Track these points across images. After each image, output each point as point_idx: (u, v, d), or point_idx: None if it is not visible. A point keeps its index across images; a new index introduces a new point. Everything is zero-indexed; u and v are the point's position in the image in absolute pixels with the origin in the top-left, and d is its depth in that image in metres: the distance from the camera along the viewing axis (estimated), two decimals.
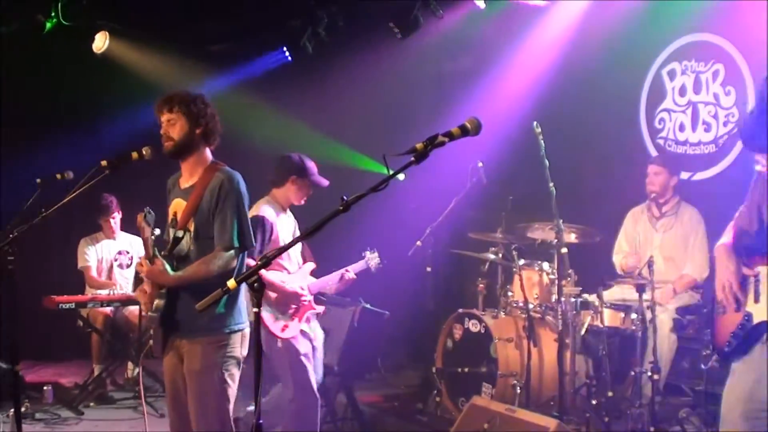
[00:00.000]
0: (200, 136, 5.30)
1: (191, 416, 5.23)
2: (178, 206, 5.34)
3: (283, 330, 6.73)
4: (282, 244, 6.63)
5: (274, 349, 6.69)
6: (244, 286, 4.92)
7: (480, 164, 8.22)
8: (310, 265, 7.06)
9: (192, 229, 5.23)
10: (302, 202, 6.92)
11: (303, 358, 6.77)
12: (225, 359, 5.19)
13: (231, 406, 5.24)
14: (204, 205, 5.20)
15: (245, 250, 5.23)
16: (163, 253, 5.20)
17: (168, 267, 5.11)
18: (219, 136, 5.41)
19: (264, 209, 6.70)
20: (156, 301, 5.18)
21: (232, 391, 5.23)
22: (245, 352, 5.30)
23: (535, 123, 7.16)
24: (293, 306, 6.82)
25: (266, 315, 6.61)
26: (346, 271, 7.19)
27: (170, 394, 5.40)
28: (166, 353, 5.32)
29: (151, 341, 5.39)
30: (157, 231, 5.22)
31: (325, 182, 6.94)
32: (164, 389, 5.52)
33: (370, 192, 3.88)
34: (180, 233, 5.23)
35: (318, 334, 7.10)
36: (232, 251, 5.14)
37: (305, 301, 6.86)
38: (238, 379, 5.28)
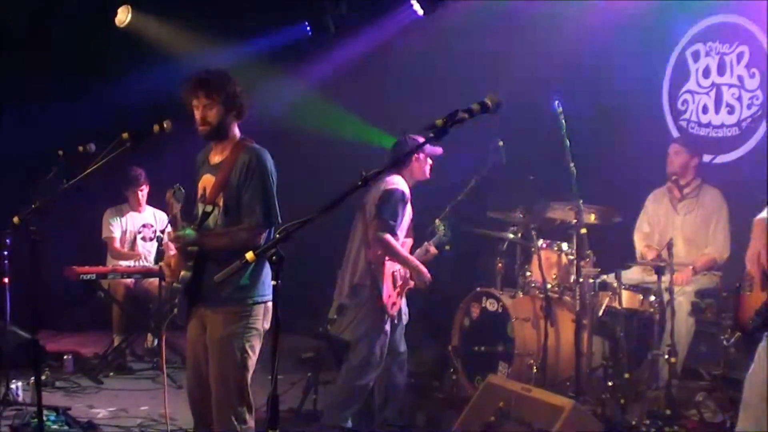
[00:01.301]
0: (233, 117, 5.38)
1: (211, 384, 5.30)
2: (207, 182, 5.42)
3: (392, 307, 6.97)
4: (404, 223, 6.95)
5: (378, 323, 6.90)
6: None
7: (500, 143, 8.19)
8: (410, 241, 7.23)
9: (221, 204, 5.31)
10: (428, 176, 7.18)
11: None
12: (246, 329, 5.25)
13: (250, 376, 5.28)
14: (233, 181, 5.27)
15: (271, 227, 5.26)
16: (192, 226, 5.28)
17: (187, 231, 5.21)
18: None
19: (404, 186, 6.90)
20: (182, 273, 5.26)
21: (252, 361, 5.28)
22: (267, 325, 5.35)
23: (556, 102, 7.14)
24: (401, 282, 7.01)
25: (384, 290, 6.90)
26: (429, 245, 7.32)
27: (191, 363, 5.48)
28: (190, 322, 5.42)
29: (175, 310, 5.44)
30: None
31: (440, 150, 7.11)
32: (183, 361, 5.57)
33: (388, 168, 3.90)
34: (209, 208, 5.31)
35: (404, 307, 7.25)
36: (259, 228, 5.21)
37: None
38: (258, 350, 5.32)
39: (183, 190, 5.25)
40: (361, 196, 7.03)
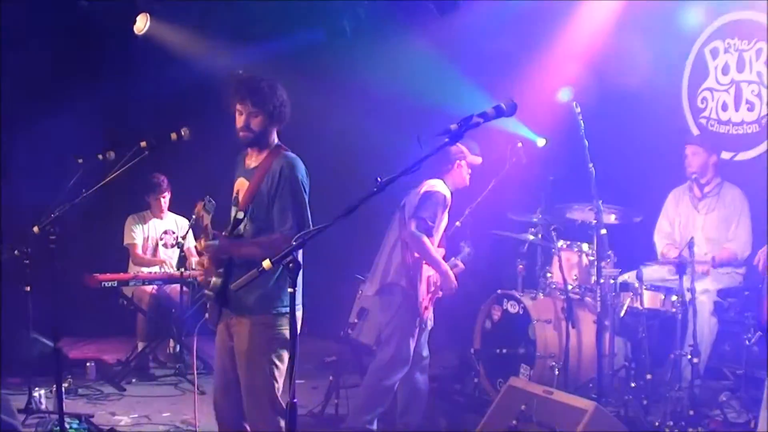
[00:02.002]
0: (275, 124, 5.41)
1: (243, 394, 5.36)
2: (241, 185, 5.47)
3: (425, 310, 7.03)
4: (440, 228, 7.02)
5: (409, 324, 6.95)
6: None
7: (519, 144, 8.17)
8: (441, 251, 7.22)
9: (249, 210, 5.34)
10: (467, 184, 7.27)
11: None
12: (273, 340, 5.27)
13: (280, 385, 5.30)
14: (263, 188, 5.30)
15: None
16: (224, 232, 5.32)
17: (216, 241, 5.24)
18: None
19: (446, 191, 7.00)
20: (213, 280, 5.31)
21: (280, 371, 5.29)
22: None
23: (574, 103, 7.13)
24: (433, 287, 7.08)
25: (419, 292, 6.97)
26: (457, 260, 7.36)
27: (217, 369, 5.56)
28: (219, 324, 5.48)
29: (206, 315, 5.52)
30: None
31: (480, 159, 7.24)
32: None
33: (403, 173, 3.89)
34: (240, 214, 5.34)
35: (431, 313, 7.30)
36: (292, 237, 5.13)
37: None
38: (287, 358, 5.28)
39: (213, 202, 5.28)
40: (399, 196, 7.10)
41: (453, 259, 7.29)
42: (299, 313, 5.35)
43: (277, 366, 5.28)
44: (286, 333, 5.24)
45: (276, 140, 5.46)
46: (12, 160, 10.29)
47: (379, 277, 7.09)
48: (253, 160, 5.46)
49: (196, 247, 5.40)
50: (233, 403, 5.43)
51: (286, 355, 5.30)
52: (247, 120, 5.32)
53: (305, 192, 5.32)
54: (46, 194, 6.59)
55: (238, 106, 5.33)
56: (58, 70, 10.49)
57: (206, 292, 5.37)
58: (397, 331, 6.95)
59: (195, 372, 6.12)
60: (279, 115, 5.35)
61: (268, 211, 5.28)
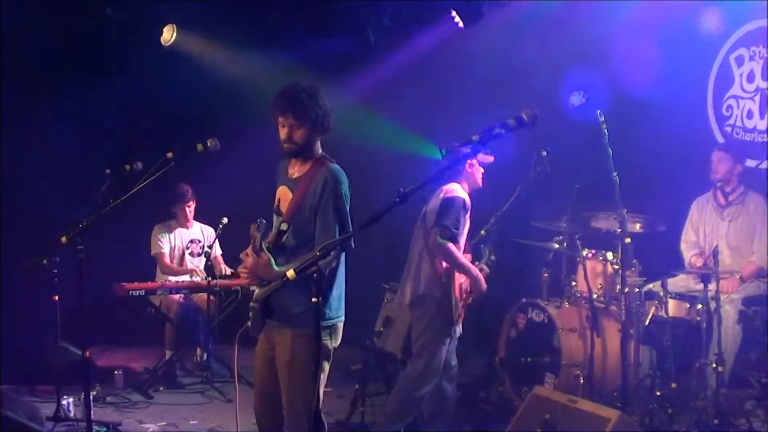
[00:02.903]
0: (318, 135, 5.34)
1: (284, 406, 5.37)
2: (283, 194, 5.41)
3: (459, 319, 6.98)
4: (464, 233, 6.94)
5: (442, 335, 6.92)
6: (341, 277, 5.24)
7: (544, 153, 8.17)
8: (468, 256, 7.18)
9: (293, 222, 5.30)
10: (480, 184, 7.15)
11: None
12: (313, 352, 5.08)
13: (321, 396, 5.23)
14: (307, 201, 5.24)
15: (345, 251, 5.23)
16: (266, 243, 5.29)
17: (273, 262, 5.19)
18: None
19: (464, 194, 6.90)
20: (257, 291, 5.31)
21: (321, 382, 5.22)
22: (336, 344, 5.40)
23: (598, 111, 7.14)
24: (465, 294, 7.04)
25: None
26: (482, 264, 7.29)
27: (256, 377, 5.58)
28: (261, 334, 5.47)
29: (249, 323, 5.46)
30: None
31: (491, 158, 7.13)
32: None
33: (426, 184, 3.93)
34: (284, 226, 5.29)
35: None
36: (333, 252, 5.08)
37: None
38: (328, 369, 5.37)
39: (265, 222, 5.27)
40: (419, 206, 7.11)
41: (477, 263, 7.25)
42: (340, 324, 5.39)
43: (319, 378, 5.15)
44: (329, 344, 5.31)
45: (320, 150, 5.39)
46: (37, 168, 10.40)
47: (409, 290, 7.02)
48: (296, 169, 5.39)
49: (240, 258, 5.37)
50: (271, 410, 5.46)
51: (327, 367, 5.35)
52: (290, 132, 5.24)
53: (347, 206, 5.25)
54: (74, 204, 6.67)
55: (280, 119, 5.27)
56: (82, 77, 10.58)
57: (251, 304, 5.34)
58: (430, 343, 6.91)
59: (236, 380, 6.14)
60: (322, 125, 5.28)
61: (310, 222, 5.22)
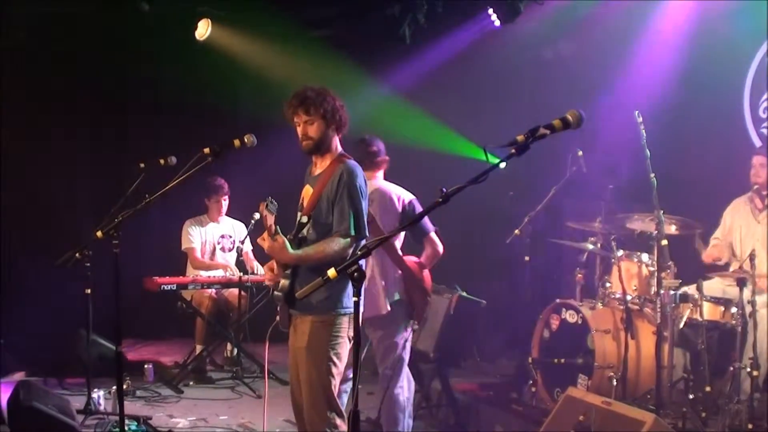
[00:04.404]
0: (333, 130, 5.54)
1: (302, 390, 5.45)
2: (306, 193, 5.63)
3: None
4: None
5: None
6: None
7: (580, 153, 8.15)
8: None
9: (313, 215, 5.49)
10: None
11: None
12: (332, 338, 5.38)
13: (337, 383, 5.42)
14: (325, 194, 5.44)
15: (360, 239, 5.41)
16: (288, 236, 5.42)
17: (288, 245, 5.32)
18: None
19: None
20: (282, 281, 5.44)
21: (338, 369, 5.41)
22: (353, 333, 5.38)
23: (636, 112, 7.09)
24: None
25: None
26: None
27: (291, 369, 5.64)
28: (290, 327, 5.60)
29: (277, 318, 5.62)
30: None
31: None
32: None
33: (469, 184, 3.90)
34: (304, 219, 5.49)
35: None
36: (348, 239, 5.35)
37: None
38: (345, 357, 5.45)
39: (275, 203, 5.39)
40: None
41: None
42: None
43: (335, 363, 5.40)
44: (345, 332, 5.41)
45: (339, 148, 5.60)
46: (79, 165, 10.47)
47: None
48: (317, 167, 5.62)
49: (261, 247, 5.43)
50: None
51: (344, 353, 5.44)
52: (305, 129, 5.48)
53: (363, 198, 5.46)
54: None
55: (295, 119, 5.51)
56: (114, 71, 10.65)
57: (275, 293, 5.49)
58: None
59: (266, 376, 6.11)
60: (333, 119, 5.49)
61: (328, 215, 5.42)
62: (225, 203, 9.82)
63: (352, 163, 5.53)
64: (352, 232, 5.35)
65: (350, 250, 5.35)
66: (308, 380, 5.41)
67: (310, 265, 5.33)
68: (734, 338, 7.21)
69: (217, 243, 9.91)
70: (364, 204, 5.47)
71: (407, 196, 6.88)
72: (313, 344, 5.38)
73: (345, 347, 5.44)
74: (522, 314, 8.77)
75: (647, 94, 8.81)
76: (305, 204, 5.56)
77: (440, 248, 6.94)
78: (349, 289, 5.35)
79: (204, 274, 9.51)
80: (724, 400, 7.19)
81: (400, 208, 6.82)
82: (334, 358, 5.38)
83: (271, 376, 8.36)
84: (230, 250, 9.93)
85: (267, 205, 5.35)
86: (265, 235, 5.41)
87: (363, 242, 5.40)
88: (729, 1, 8.73)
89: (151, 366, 9.18)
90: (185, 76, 10.64)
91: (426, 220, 6.82)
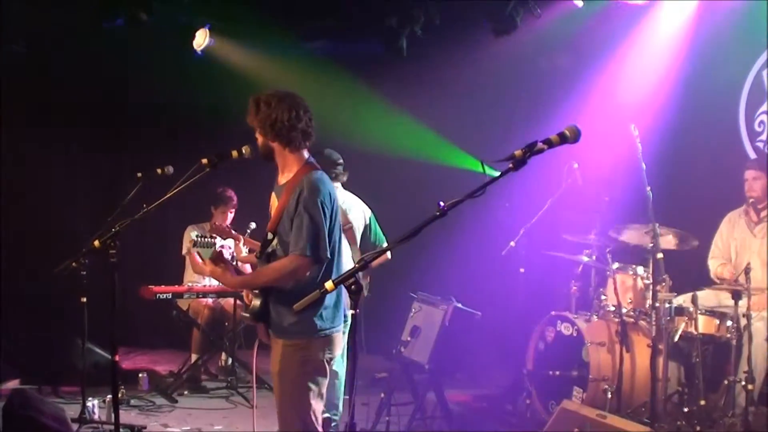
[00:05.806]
0: (276, 140, 5.26)
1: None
2: (273, 204, 5.39)
3: None
4: None
5: None
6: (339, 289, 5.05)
7: (575, 165, 8.17)
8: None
9: (277, 230, 5.25)
10: None
11: None
12: (304, 362, 5.17)
13: (317, 408, 5.20)
14: (286, 209, 5.18)
15: (320, 260, 5.11)
16: (256, 253, 5.32)
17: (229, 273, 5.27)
18: (303, 134, 5.28)
19: None
20: (252, 302, 5.25)
21: (312, 394, 5.17)
22: (337, 353, 5.32)
23: (632, 125, 7.11)
24: None
25: None
26: None
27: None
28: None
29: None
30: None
31: None
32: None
33: (467, 198, 3.91)
34: (270, 236, 5.25)
35: None
36: (306, 260, 5.06)
37: None
38: (323, 380, 5.23)
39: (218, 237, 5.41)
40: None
41: None
42: (337, 334, 5.28)
43: (308, 389, 5.16)
44: (320, 356, 5.18)
45: (304, 157, 5.31)
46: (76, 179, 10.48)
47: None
48: (282, 176, 5.36)
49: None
50: None
51: (320, 377, 5.21)
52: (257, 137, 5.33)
53: (324, 213, 5.11)
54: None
55: None
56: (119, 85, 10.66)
57: (242, 314, 5.35)
58: None
59: (254, 386, 6.11)
60: (273, 130, 5.20)
61: (290, 231, 5.14)
62: (231, 216, 9.79)
63: (317, 175, 5.21)
64: (308, 253, 5.03)
65: (308, 272, 5.07)
66: (279, 405, 5.25)
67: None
68: (729, 351, 7.23)
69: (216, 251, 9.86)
70: (327, 221, 5.13)
71: (368, 210, 6.94)
72: (284, 369, 5.17)
73: (323, 370, 5.19)
74: (517, 326, 8.78)
75: (643, 108, 8.83)
76: (271, 218, 5.30)
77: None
78: (322, 311, 5.14)
79: (200, 283, 9.50)
80: (719, 413, 7.23)
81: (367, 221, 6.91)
82: (310, 384, 5.15)
83: (266, 386, 8.36)
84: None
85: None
86: (207, 260, 5.32)
87: (323, 263, 5.13)
88: (724, 16, 8.74)
89: (145, 375, 9.15)
90: (183, 85, 10.65)
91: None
